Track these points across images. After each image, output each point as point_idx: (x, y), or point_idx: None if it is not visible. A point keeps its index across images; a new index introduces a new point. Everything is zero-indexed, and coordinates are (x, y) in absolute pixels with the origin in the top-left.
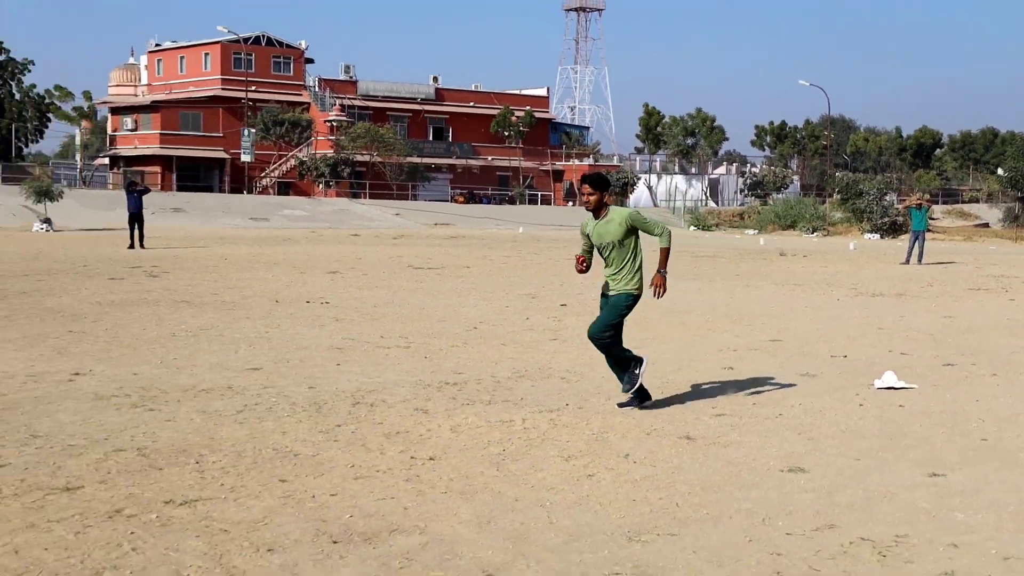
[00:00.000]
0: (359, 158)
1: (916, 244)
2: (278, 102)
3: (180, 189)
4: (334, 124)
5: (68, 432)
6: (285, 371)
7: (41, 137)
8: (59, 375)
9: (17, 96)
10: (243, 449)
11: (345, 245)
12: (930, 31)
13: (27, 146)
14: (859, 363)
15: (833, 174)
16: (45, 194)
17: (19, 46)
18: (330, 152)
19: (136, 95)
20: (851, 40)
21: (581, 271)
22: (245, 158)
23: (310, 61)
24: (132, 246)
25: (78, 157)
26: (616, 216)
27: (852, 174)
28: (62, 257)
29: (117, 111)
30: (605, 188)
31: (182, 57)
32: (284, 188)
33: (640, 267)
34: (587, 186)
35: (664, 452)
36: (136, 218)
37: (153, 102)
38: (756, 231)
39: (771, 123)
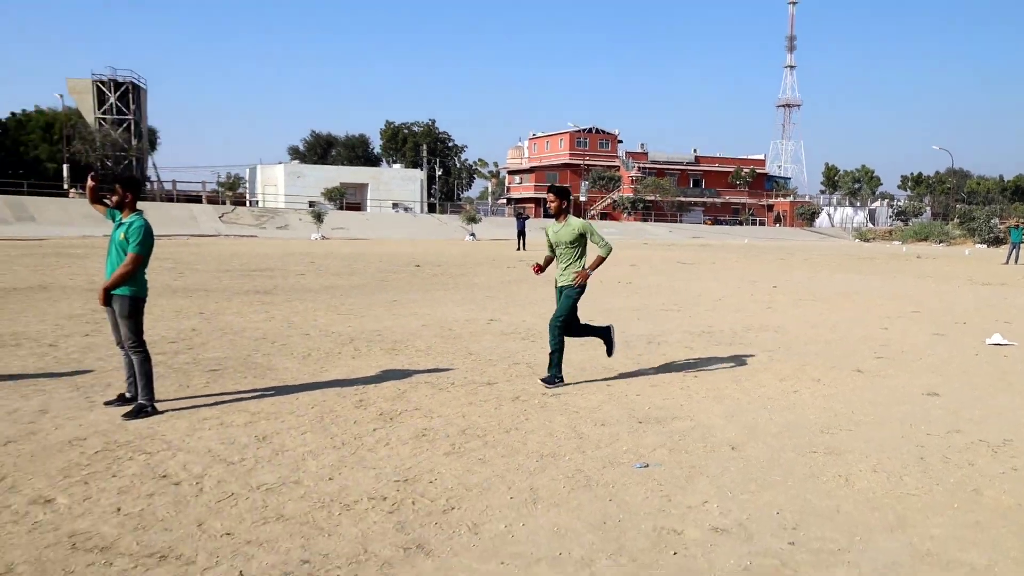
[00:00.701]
0: (648, 198)
1: (1014, 251)
2: (601, 166)
3: (544, 216)
4: (633, 178)
5: (488, 352)
6: (605, 322)
7: (470, 187)
8: (481, 321)
9: (457, 165)
10: (584, 366)
11: (638, 250)
12: None
13: (462, 193)
14: (974, 327)
15: (954, 206)
16: (472, 219)
17: (459, 136)
18: (631, 195)
19: (521, 163)
20: (969, 114)
21: (537, 273)
22: (582, 199)
23: (620, 141)
24: (519, 249)
25: (489, 199)
26: (573, 223)
27: (968, 207)
28: (480, 255)
29: (511, 172)
30: (565, 197)
31: (547, 141)
32: (604, 216)
33: (583, 267)
34: (552, 195)
35: (843, 379)
36: (521, 233)
37: (531, 167)
38: (900, 242)
39: (911, 173)
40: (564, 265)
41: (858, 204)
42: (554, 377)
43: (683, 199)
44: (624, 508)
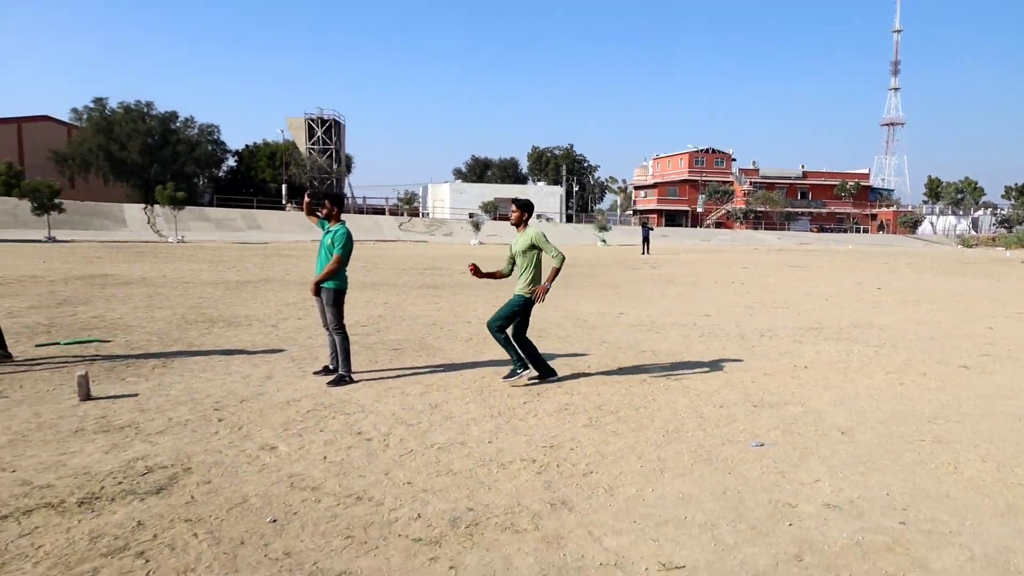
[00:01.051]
0: (758, 209)
1: None
2: (716, 181)
3: (666, 225)
4: (746, 191)
5: (618, 341)
6: (721, 317)
7: (601, 200)
8: (612, 314)
9: (591, 182)
10: (704, 355)
11: (749, 255)
12: None
13: (595, 205)
14: None
15: None
16: (603, 228)
17: (593, 157)
18: (743, 206)
19: (646, 179)
20: None
21: (473, 273)
22: (699, 209)
23: (734, 159)
24: (643, 253)
25: (618, 211)
26: (528, 232)
27: None
28: (609, 258)
29: (637, 188)
30: (526, 209)
31: (669, 160)
32: (719, 225)
33: (535, 277)
34: (514, 206)
35: (949, 374)
36: (645, 239)
37: (654, 183)
38: (1004, 248)
39: (1016, 183)
40: (519, 273)
41: (960, 213)
42: (514, 371)
43: (791, 209)
44: (742, 481)
